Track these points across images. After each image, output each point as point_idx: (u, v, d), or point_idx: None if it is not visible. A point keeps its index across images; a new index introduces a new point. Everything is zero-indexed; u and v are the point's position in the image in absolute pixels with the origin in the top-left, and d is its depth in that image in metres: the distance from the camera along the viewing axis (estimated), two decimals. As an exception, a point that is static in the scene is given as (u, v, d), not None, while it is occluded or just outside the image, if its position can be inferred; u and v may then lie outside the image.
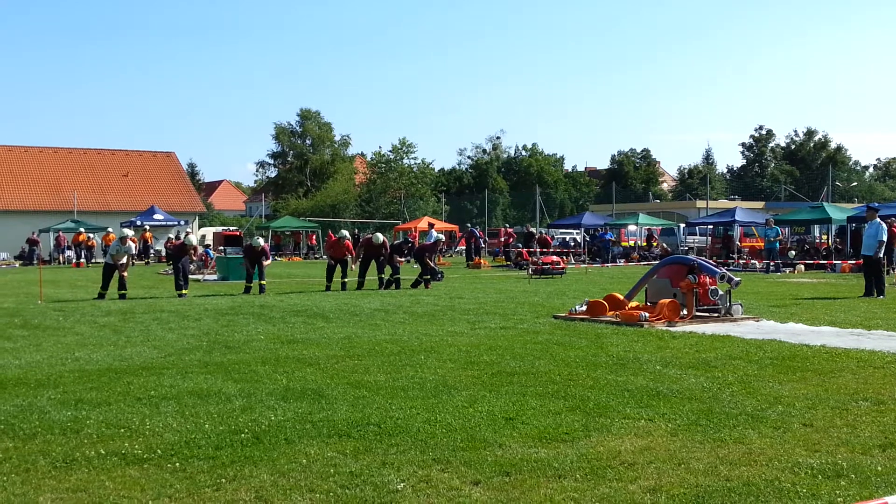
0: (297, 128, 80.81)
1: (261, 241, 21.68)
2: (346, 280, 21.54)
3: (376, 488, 4.74)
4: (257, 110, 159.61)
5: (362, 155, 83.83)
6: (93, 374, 8.50)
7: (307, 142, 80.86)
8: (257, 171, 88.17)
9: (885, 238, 18.80)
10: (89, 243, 42.78)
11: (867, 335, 11.14)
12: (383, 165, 72.34)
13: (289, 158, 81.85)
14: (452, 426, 6.12)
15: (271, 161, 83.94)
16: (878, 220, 18.99)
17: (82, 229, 44.16)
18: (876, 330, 11.67)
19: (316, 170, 78.76)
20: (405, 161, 72.51)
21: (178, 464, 5.24)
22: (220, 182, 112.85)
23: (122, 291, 18.87)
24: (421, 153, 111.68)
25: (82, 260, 42.14)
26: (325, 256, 52.16)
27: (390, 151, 72.41)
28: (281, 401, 7.06)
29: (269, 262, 21.41)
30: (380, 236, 22.53)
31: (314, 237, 52.42)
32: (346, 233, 22.64)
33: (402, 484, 4.81)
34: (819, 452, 5.32)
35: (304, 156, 79.86)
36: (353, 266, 21.78)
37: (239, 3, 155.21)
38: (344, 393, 7.38)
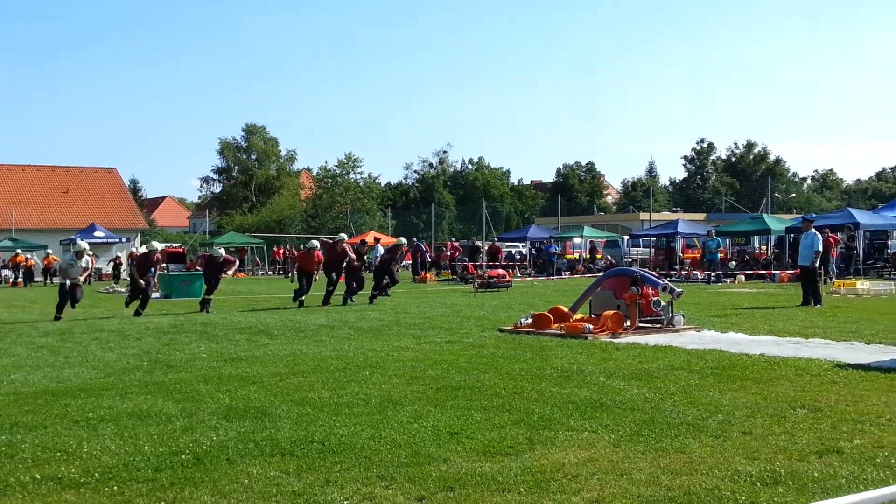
0: (243, 143, 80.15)
1: (221, 251, 21.23)
2: (303, 298, 20.72)
3: (319, 507, 4.70)
4: (202, 125, 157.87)
5: (308, 170, 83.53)
6: (28, 397, 8.30)
7: (252, 157, 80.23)
8: (201, 186, 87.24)
9: (821, 248, 19.24)
10: (28, 264, 41.88)
11: (805, 343, 11.36)
12: (329, 180, 72.13)
13: (234, 174, 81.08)
14: (397, 442, 6.09)
15: (216, 176, 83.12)
16: (814, 230, 19.45)
17: (19, 251, 43.24)
18: (813, 338, 11.91)
19: (261, 185, 78.22)
20: (351, 176, 72.42)
21: (115, 487, 5.14)
22: (163, 198, 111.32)
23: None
24: (367, 168, 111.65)
25: (20, 279, 41.23)
26: (278, 272, 52.12)
27: (336, 166, 72.27)
28: (223, 420, 6.96)
29: (234, 268, 21.09)
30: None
31: (281, 251, 51.93)
32: (316, 243, 21.99)
33: (345, 502, 4.77)
34: (758, 460, 5.40)
35: (249, 171, 79.20)
36: (317, 278, 21.29)
37: (182, 17, 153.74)
38: (288, 411, 7.30)
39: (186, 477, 5.32)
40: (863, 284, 22.42)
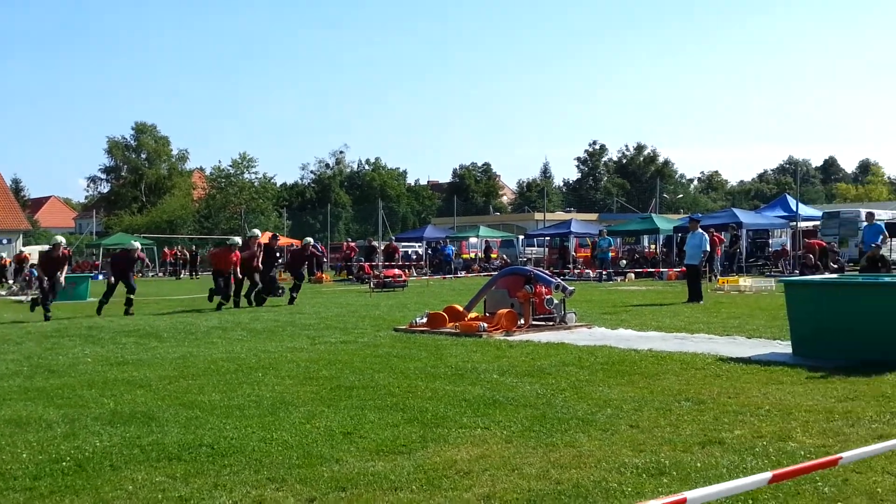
0: (132, 142, 77.90)
1: (137, 244, 20.19)
2: (223, 302, 19.56)
3: (207, 511, 4.60)
4: (89, 123, 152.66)
5: (201, 169, 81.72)
6: None
7: (142, 156, 78.08)
8: (88, 186, 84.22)
9: (708, 248, 19.89)
10: None
11: (690, 338, 11.73)
12: (223, 180, 70.74)
13: (122, 173, 78.72)
14: (289, 443, 6.01)
15: (104, 176, 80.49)
16: (701, 230, 20.07)
17: None
18: (698, 333, 12.30)
19: (152, 185, 76.20)
20: (246, 176, 71.19)
21: (-10, 497, 4.92)
22: (47, 198, 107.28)
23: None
24: (262, 167, 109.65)
25: None
26: (169, 273, 50.79)
27: (230, 166, 70.95)
28: (107, 426, 6.73)
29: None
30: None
31: (173, 252, 50.57)
32: (238, 240, 20.80)
33: (234, 505, 4.68)
34: (644, 452, 5.54)
35: (138, 170, 77.03)
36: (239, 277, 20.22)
37: (67, 10, 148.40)
38: (176, 414, 7.12)
39: (67, 484, 5.13)
40: (745, 281, 23.25)
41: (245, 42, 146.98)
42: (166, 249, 54.05)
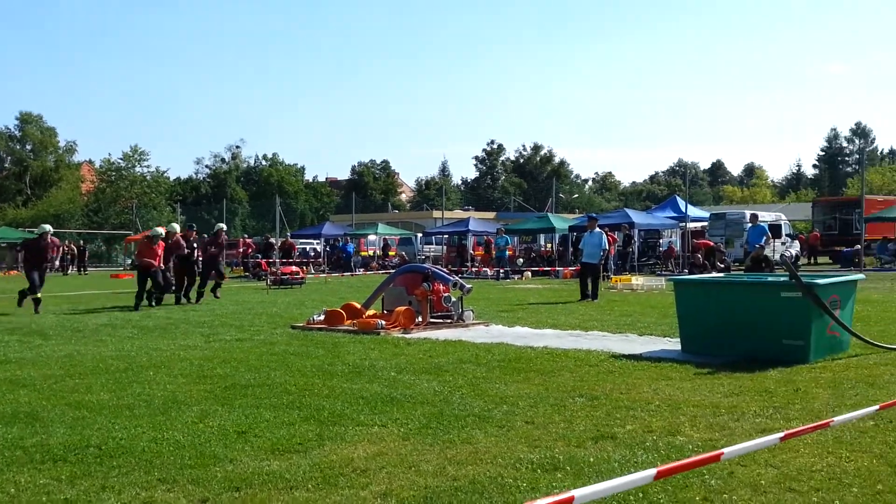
0: (16, 132, 74.83)
1: (48, 227, 18.50)
2: (157, 295, 18.50)
3: (94, 514, 4.45)
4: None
5: (90, 162, 79.12)
6: None
7: (27, 147, 75.11)
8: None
9: (607, 247, 20.25)
10: None
11: (584, 336, 11.96)
12: (113, 173, 68.69)
13: (6, 165, 75.56)
14: (181, 443, 5.87)
15: (-15, 168, 77.14)
16: (599, 229, 20.36)
17: None
18: (592, 331, 12.55)
19: (37, 177, 73.32)
20: (137, 169, 69.28)
21: None
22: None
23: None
24: (155, 161, 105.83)
25: None
26: (56, 269, 48.88)
27: (121, 159, 68.93)
28: (-12, 427, 6.45)
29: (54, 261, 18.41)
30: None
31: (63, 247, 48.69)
32: (161, 230, 19.15)
33: (123, 508, 4.55)
34: (539, 448, 5.62)
35: (23, 162, 74.05)
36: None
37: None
38: (62, 414, 6.87)
39: (-57, 489, 4.89)
40: (637, 280, 23.86)
41: (138, 30, 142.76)
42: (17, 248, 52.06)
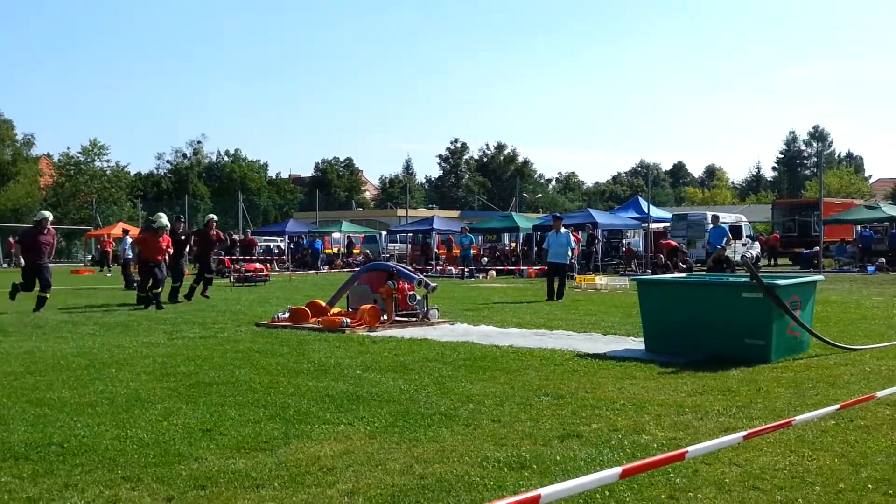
0: (-28, 125, 73.39)
1: (47, 213, 17.14)
2: (158, 291, 17.38)
3: (57, 513, 4.39)
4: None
5: (49, 156, 77.89)
6: None
7: (-16, 140, 73.70)
8: (-78, 171, 78.94)
9: (574, 246, 20.29)
10: None
11: (549, 335, 12.02)
12: (72, 167, 67.76)
13: (-38, 157, 74.13)
14: (145, 441, 5.81)
15: (-61, 160, 75.58)
16: (565, 229, 20.39)
17: None
18: (557, 330, 12.61)
19: (-6, 171, 71.97)
20: (97, 164, 68.41)
21: None
22: None
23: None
24: (115, 156, 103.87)
25: None
26: (14, 264, 48.13)
27: (80, 153, 68.01)
28: (-54, 424, 6.34)
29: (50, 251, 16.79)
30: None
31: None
32: (165, 221, 17.95)
33: (86, 506, 4.49)
34: (506, 446, 5.64)
35: (-21, 156, 72.65)
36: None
37: None
38: (22, 412, 6.77)
39: None
40: (601, 280, 24.01)
41: (98, 21, 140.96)
42: (11, 239, 51.35)
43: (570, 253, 19.54)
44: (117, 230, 44.79)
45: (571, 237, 19.98)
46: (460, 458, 5.34)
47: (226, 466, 5.19)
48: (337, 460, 5.32)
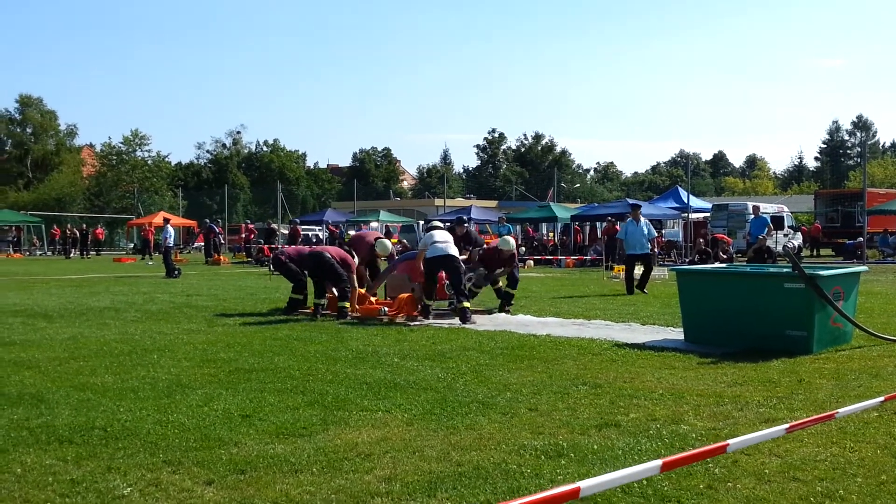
0: (17, 115, 74.66)
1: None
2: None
3: (100, 494, 4.46)
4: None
5: (91, 146, 79.03)
6: None
7: (28, 130, 74.96)
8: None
9: (655, 235, 19.60)
10: None
11: (587, 324, 11.95)
12: (114, 157, 68.66)
13: (7, 148, 75.46)
14: (185, 426, 5.89)
15: (-15, 151, 77.08)
16: (643, 218, 19.10)
17: None
18: (595, 319, 12.55)
19: (38, 161, 73.23)
20: (138, 153, 69.27)
21: None
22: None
23: None
24: (156, 146, 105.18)
25: None
26: (58, 252, 48.89)
27: (122, 143, 68.88)
28: (-7, 407, 6.47)
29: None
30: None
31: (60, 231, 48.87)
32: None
33: (128, 488, 4.56)
34: (543, 434, 5.63)
35: (24, 145, 73.93)
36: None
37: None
38: (67, 396, 6.89)
39: (-51, 469, 4.91)
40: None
41: (139, 13, 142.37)
42: (55, 227, 52.29)
43: (649, 243, 18.59)
44: (158, 219, 45.27)
45: (651, 226, 19.12)
46: (497, 446, 5.34)
47: (265, 451, 5.24)
48: (374, 447, 5.34)
